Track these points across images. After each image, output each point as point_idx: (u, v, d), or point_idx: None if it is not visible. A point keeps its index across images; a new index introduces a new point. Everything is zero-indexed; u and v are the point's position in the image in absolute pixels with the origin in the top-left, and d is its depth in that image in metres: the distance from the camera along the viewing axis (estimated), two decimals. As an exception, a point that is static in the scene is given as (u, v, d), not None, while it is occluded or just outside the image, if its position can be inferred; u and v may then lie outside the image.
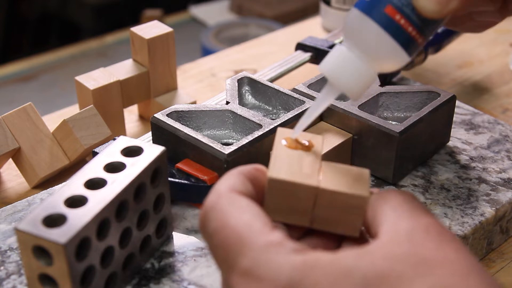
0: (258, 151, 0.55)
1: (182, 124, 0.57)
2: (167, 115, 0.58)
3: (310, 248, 0.35)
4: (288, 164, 0.38)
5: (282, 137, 0.41)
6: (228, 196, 0.36)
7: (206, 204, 0.37)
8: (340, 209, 0.37)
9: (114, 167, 0.47)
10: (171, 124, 0.56)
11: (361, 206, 0.37)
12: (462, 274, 0.32)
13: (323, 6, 0.94)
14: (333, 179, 0.38)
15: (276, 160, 0.39)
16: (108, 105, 0.67)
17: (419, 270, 0.32)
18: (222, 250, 0.35)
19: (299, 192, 0.37)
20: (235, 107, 0.59)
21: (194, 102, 0.73)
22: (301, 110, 0.59)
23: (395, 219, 0.35)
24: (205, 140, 0.54)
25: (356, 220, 0.37)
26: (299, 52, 0.75)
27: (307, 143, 0.41)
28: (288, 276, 0.33)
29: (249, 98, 0.64)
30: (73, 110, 0.75)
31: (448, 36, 0.76)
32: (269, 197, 0.38)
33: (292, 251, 0.34)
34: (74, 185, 0.45)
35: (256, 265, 0.33)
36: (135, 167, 0.46)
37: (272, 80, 0.70)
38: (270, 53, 0.90)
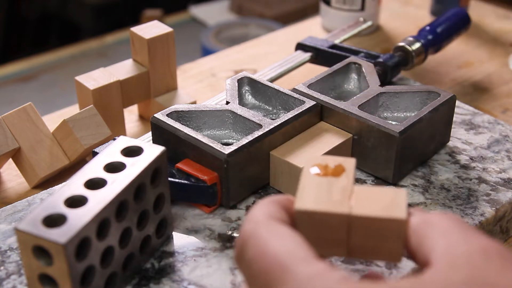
0: (258, 151, 0.55)
1: (182, 124, 0.57)
2: (167, 115, 0.58)
3: (358, 279, 0.32)
4: (316, 192, 0.36)
5: (310, 165, 0.38)
6: (267, 223, 0.34)
7: (244, 232, 0.35)
8: (377, 235, 0.34)
9: (114, 167, 0.47)
10: (171, 124, 0.56)
11: (399, 230, 0.34)
12: None
13: (323, 6, 0.95)
14: (366, 203, 0.35)
15: (303, 190, 0.36)
16: (108, 105, 0.67)
17: None
18: (263, 279, 0.33)
19: (330, 222, 0.34)
20: (235, 107, 0.59)
21: (194, 102, 0.73)
22: (301, 110, 0.59)
23: (447, 243, 0.33)
24: (205, 140, 0.54)
25: (396, 245, 0.34)
26: (299, 52, 0.75)
27: (335, 167, 0.38)
28: None
29: (249, 98, 0.64)
30: (73, 110, 0.75)
31: (448, 36, 0.76)
32: (300, 230, 0.35)
33: (339, 281, 0.31)
34: (74, 185, 0.45)
35: None
36: (135, 167, 0.46)
37: (272, 80, 0.70)
38: (270, 53, 0.90)
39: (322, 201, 0.35)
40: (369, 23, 0.83)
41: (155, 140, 0.58)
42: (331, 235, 0.35)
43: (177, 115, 0.58)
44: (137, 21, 2.15)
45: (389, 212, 0.34)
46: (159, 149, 0.48)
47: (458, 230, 0.34)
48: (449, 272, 0.32)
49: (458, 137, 0.65)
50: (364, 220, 0.34)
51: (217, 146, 0.54)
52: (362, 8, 0.91)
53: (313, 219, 0.35)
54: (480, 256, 0.32)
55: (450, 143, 0.64)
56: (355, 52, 0.73)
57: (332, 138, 0.59)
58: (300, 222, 0.35)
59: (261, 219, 0.35)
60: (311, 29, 0.97)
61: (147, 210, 0.48)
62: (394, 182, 0.58)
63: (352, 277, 0.33)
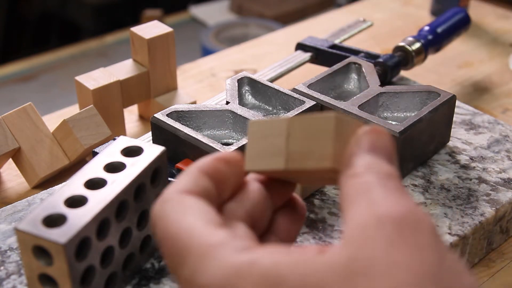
0: (258, 151, 0.55)
1: (182, 124, 0.57)
2: (167, 115, 0.58)
3: (260, 245, 0.31)
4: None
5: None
6: (173, 200, 0.33)
7: (153, 213, 0.33)
8: (310, 137, 0.34)
9: (114, 167, 0.47)
10: (171, 124, 0.56)
11: (329, 129, 0.33)
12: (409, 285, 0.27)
13: None
14: (303, 115, 0.36)
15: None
16: (108, 105, 0.67)
17: (350, 284, 0.27)
18: (170, 262, 0.32)
19: (274, 128, 0.35)
20: (235, 107, 0.59)
21: (194, 102, 0.73)
22: (301, 110, 0.59)
23: (358, 209, 0.30)
24: (205, 140, 0.54)
25: (326, 146, 0.33)
26: (299, 52, 0.75)
27: None
28: (220, 283, 0.29)
29: (249, 98, 0.64)
30: (73, 110, 0.75)
31: (448, 36, 0.76)
32: (249, 143, 0.36)
33: (234, 252, 0.30)
34: (74, 185, 0.45)
35: (195, 273, 0.30)
36: (135, 167, 0.46)
37: (272, 80, 0.70)
38: (270, 53, 0.90)
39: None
40: (369, 23, 0.83)
41: (155, 140, 0.58)
42: (274, 144, 0.35)
43: (177, 115, 0.58)
44: (137, 21, 2.15)
45: (322, 114, 0.34)
46: (159, 149, 0.48)
47: (378, 192, 0.30)
48: (337, 251, 0.29)
49: (458, 137, 0.65)
50: (300, 121, 0.35)
51: (217, 146, 0.54)
52: None
53: (261, 129, 0.36)
54: (373, 228, 0.29)
55: (450, 143, 0.64)
56: (355, 52, 0.73)
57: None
58: (250, 133, 0.36)
59: (169, 196, 0.33)
60: (311, 29, 0.97)
61: (147, 210, 0.48)
62: (394, 182, 0.58)
63: (254, 244, 0.31)
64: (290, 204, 0.38)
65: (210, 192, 0.34)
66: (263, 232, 0.37)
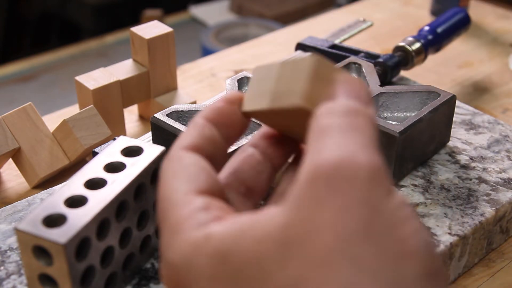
0: (258, 151, 0.55)
1: (182, 124, 0.57)
2: (167, 115, 0.58)
3: (225, 217, 0.30)
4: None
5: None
6: (173, 158, 0.33)
7: (162, 165, 0.34)
8: (293, 77, 0.34)
9: (114, 167, 0.47)
10: (171, 124, 0.56)
11: (307, 69, 0.32)
12: (328, 251, 0.25)
13: None
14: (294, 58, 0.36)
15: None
16: (108, 105, 0.67)
17: (285, 253, 0.26)
18: (160, 226, 0.32)
19: (268, 71, 0.35)
20: (235, 107, 0.59)
21: (194, 102, 0.73)
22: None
23: (305, 160, 0.28)
24: (205, 140, 0.54)
25: (301, 85, 0.33)
26: (299, 52, 0.75)
27: None
28: (181, 261, 0.29)
29: (249, 98, 0.64)
30: (73, 110, 0.75)
31: (448, 36, 0.76)
32: (250, 87, 0.37)
33: (195, 227, 0.29)
34: (74, 185, 0.45)
35: (166, 247, 0.30)
36: (135, 167, 0.46)
37: (272, 80, 0.70)
38: (270, 53, 0.90)
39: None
40: (369, 23, 0.83)
41: (155, 140, 0.58)
42: (265, 85, 0.35)
43: (177, 115, 0.58)
44: (137, 21, 2.15)
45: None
46: (159, 149, 0.48)
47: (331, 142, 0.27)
48: (273, 218, 0.27)
49: (458, 137, 0.65)
50: (289, 64, 0.34)
51: (217, 146, 0.54)
52: None
53: (258, 73, 0.36)
54: (306, 188, 0.26)
55: (450, 143, 0.64)
56: (355, 52, 0.73)
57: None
58: (253, 77, 0.37)
59: (171, 153, 0.34)
60: (311, 29, 0.97)
61: (147, 210, 0.48)
62: (394, 182, 0.58)
63: (228, 213, 0.30)
64: (297, 162, 0.36)
65: (215, 139, 0.35)
66: (266, 194, 0.36)
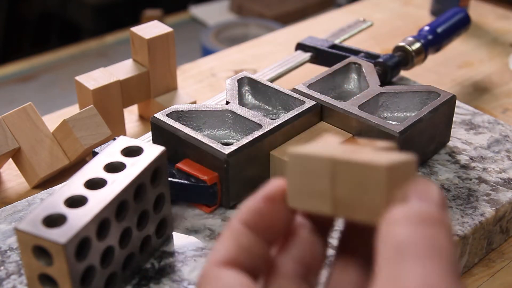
0: (258, 151, 0.55)
1: (182, 124, 0.57)
2: (167, 115, 0.58)
3: None
4: (309, 146, 0.34)
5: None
6: (210, 277, 0.30)
7: (196, 285, 0.32)
8: (359, 185, 0.31)
9: (114, 167, 0.47)
10: (171, 124, 0.56)
11: (380, 181, 0.30)
12: None
13: None
14: (355, 152, 0.32)
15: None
16: (108, 105, 0.67)
17: None
18: None
19: (316, 167, 0.32)
20: (235, 107, 0.59)
21: (194, 102, 0.73)
22: (301, 110, 0.59)
23: (380, 277, 0.27)
24: (205, 140, 0.54)
25: (377, 199, 0.31)
26: (299, 52, 0.75)
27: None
28: None
29: (249, 98, 0.64)
30: (73, 110, 0.75)
31: (448, 36, 0.76)
32: (289, 179, 0.33)
33: None
34: (74, 185, 0.45)
35: None
36: (135, 167, 0.46)
37: (272, 80, 0.70)
38: (270, 53, 0.90)
39: (313, 149, 0.33)
40: (369, 23, 0.83)
41: (155, 140, 0.58)
42: (317, 184, 0.33)
43: (177, 115, 0.58)
44: (137, 21, 2.15)
45: (372, 160, 0.31)
46: (159, 149, 0.48)
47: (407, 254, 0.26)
48: None
49: (458, 137, 0.65)
50: (346, 165, 0.32)
51: (217, 146, 0.54)
52: None
53: (302, 165, 0.33)
54: None
55: (450, 143, 0.64)
56: (355, 52, 0.73)
57: (332, 138, 0.59)
58: (289, 169, 0.33)
59: (207, 272, 0.31)
60: (311, 29, 0.97)
61: (147, 210, 0.48)
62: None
63: None
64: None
65: (255, 249, 0.31)
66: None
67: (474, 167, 0.61)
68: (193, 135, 0.55)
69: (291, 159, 0.33)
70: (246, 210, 0.32)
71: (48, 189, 0.59)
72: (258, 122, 0.57)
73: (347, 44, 0.77)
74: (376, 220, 0.30)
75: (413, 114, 0.62)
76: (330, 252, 0.47)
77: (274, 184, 0.32)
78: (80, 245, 0.42)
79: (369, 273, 0.31)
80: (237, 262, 0.31)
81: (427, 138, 0.60)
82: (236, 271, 0.30)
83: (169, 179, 0.53)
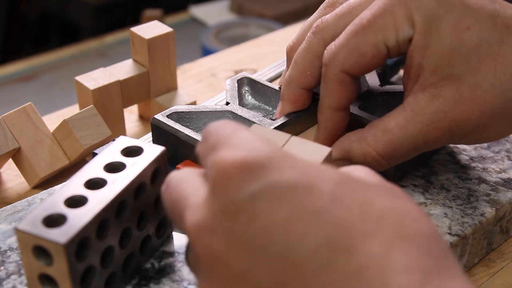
0: (258, 151, 0.55)
1: (182, 125, 0.57)
2: (167, 116, 0.58)
3: None
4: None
5: None
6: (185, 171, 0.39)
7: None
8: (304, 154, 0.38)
9: (114, 167, 0.47)
10: (171, 125, 0.56)
11: (321, 155, 0.38)
12: None
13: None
14: (293, 150, 0.38)
15: None
16: (108, 105, 0.67)
17: None
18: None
19: (277, 138, 0.39)
20: (235, 107, 0.59)
21: (194, 102, 0.73)
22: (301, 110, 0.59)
23: None
24: (205, 140, 0.54)
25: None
26: (299, 52, 0.75)
27: None
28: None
29: (249, 98, 0.64)
30: (73, 110, 0.75)
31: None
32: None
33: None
34: (74, 185, 0.45)
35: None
36: (135, 167, 0.46)
37: (272, 80, 0.70)
38: (270, 53, 0.90)
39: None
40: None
41: (155, 141, 0.58)
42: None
43: (177, 116, 0.58)
44: (137, 21, 2.15)
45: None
46: (159, 149, 0.48)
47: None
48: None
49: (458, 137, 0.65)
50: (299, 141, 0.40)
51: (217, 146, 0.54)
52: None
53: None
54: None
55: (450, 143, 0.64)
56: (355, 52, 0.73)
57: (332, 138, 0.59)
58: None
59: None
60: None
61: (147, 210, 0.48)
62: (394, 182, 0.58)
63: None
64: None
65: None
66: None
67: (474, 167, 0.61)
68: (193, 136, 0.55)
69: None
70: None
71: (48, 189, 0.59)
72: (258, 122, 0.57)
73: (347, 44, 0.76)
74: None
75: (413, 114, 0.62)
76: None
77: None
78: (80, 245, 0.42)
79: None
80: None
81: (427, 138, 0.60)
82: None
83: (169, 179, 0.53)
